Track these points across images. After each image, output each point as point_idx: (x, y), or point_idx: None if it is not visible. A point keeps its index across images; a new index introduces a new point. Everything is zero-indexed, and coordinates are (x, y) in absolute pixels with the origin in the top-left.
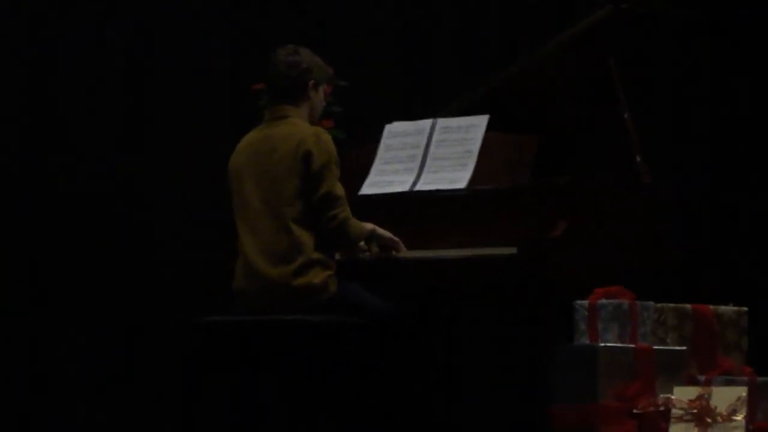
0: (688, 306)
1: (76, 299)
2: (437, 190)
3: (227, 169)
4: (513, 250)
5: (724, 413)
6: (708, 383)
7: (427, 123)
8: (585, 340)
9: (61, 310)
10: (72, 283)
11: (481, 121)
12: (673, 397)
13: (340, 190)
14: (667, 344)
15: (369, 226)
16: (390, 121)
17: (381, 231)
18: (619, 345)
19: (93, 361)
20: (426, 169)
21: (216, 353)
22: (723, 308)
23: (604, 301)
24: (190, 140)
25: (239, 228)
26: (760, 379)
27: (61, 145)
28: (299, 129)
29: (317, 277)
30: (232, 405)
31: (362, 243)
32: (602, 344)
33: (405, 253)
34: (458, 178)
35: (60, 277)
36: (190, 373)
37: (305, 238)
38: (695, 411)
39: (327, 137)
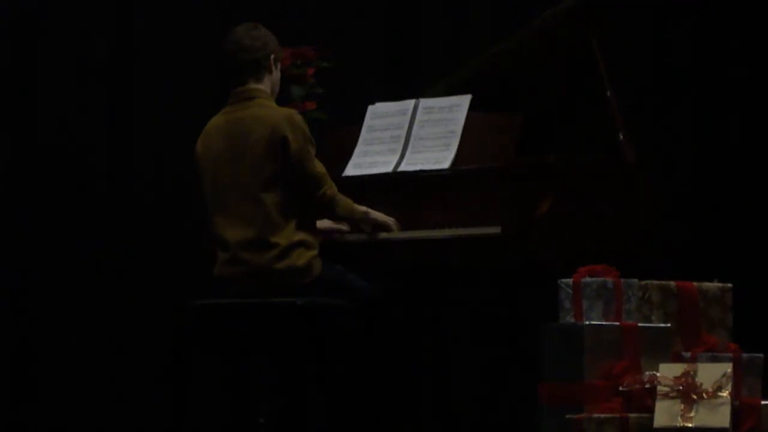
0: (673, 283)
1: (62, 287)
2: (421, 171)
3: (194, 153)
4: (497, 230)
5: (710, 390)
6: (693, 360)
7: (409, 103)
8: (570, 319)
9: (47, 298)
10: (58, 269)
11: (463, 101)
12: (658, 374)
13: (320, 167)
14: (651, 321)
15: (362, 208)
16: (373, 102)
17: (374, 214)
18: (604, 323)
19: (81, 348)
20: (409, 149)
21: (203, 337)
22: (707, 285)
23: (588, 279)
24: (173, 126)
25: (215, 214)
26: (745, 355)
27: (47, 131)
28: (271, 112)
29: (300, 259)
30: (220, 388)
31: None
32: (587, 322)
33: (390, 233)
34: (442, 158)
35: (45, 265)
36: (179, 358)
37: (286, 221)
38: (681, 388)
39: (299, 118)
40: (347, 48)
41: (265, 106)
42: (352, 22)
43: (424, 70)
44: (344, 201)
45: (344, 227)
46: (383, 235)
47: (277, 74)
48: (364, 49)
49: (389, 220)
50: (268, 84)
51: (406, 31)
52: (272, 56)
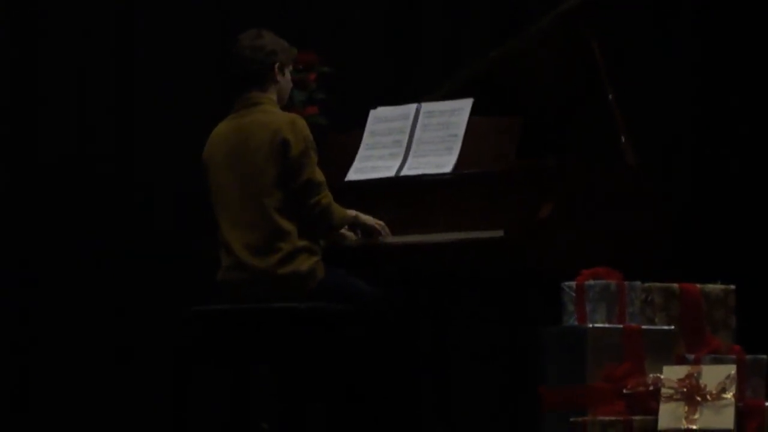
0: (675, 285)
1: (64, 292)
2: (423, 175)
3: (201, 161)
4: (500, 233)
5: (714, 392)
6: (697, 362)
7: (411, 108)
8: (573, 322)
9: (50, 303)
10: (60, 274)
11: (465, 105)
12: (662, 376)
13: (320, 175)
14: (655, 324)
15: (351, 212)
16: (374, 107)
17: (364, 217)
18: (607, 326)
19: (83, 352)
20: (411, 153)
21: (206, 342)
22: (710, 286)
23: (591, 282)
24: (177, 130)
25: (220, 220)
26: (749, 356)
27: (47, 131)
28: (274, 117)
29: (303, 264)
30: (223, 394)
31: (346, 228)
32: (590, 325)
33: (392, 237)
34: (444, 162)
35: (48, 269)
36: (181, 363)
37: (288, 226)
38: (685, 390)
39: (302, 123)
40: (347, 48)
41: (269, 112)
42: (352, 22)
43: (424, 71)
44: (339, 211)
45: (352, 235)
46: (386, 239)
47: (284, 81)
48: (364, 50)
49: (378, 224)
50: (273, 92)
51: (406, 31)
52: (277, 65)
